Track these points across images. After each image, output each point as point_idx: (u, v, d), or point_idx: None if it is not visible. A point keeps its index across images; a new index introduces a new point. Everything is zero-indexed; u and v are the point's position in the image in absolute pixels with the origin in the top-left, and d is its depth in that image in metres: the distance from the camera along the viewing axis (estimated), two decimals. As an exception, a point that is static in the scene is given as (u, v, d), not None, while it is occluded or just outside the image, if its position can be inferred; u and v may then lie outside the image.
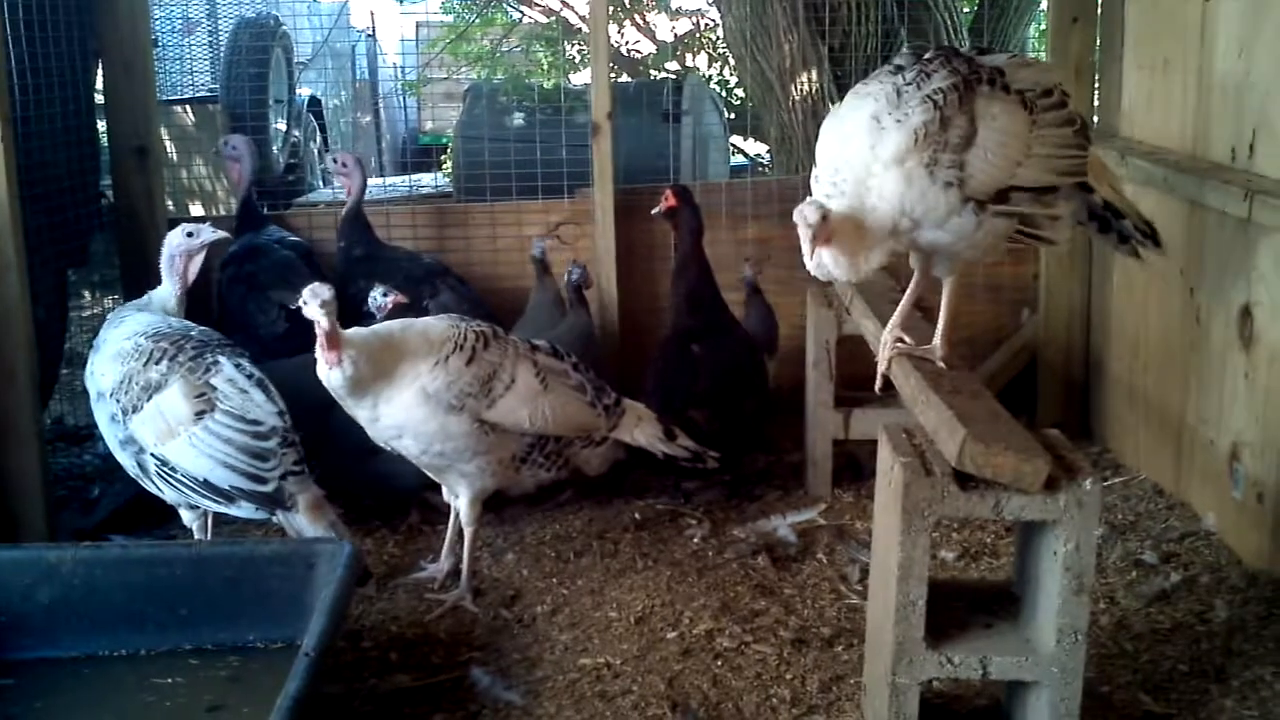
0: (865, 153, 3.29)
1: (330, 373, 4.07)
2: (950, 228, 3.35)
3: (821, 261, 3.31)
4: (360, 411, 4.22)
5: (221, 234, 4.79)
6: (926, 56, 3.44)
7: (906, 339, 3.75)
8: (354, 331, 4.16)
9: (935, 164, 3.26)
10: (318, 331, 4.02)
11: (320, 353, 4.06)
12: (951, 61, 3.39)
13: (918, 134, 3.25)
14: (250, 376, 4.34)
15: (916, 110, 3.28)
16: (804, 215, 3.24)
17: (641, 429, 4.64)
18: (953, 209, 3.31)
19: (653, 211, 5.43)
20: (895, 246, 3.36)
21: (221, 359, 4.36)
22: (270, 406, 4.29)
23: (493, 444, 4.32)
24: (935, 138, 3.26)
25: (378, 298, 4.99)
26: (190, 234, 4.71)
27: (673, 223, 5.39)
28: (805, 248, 3.27)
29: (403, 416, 4.19)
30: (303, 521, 4.21)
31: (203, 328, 4.59)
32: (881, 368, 3.80)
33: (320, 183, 10.43)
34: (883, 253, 3.33)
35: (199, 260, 4.73)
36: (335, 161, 6.23)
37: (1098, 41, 5.81)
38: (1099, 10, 5.79)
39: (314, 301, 3.97)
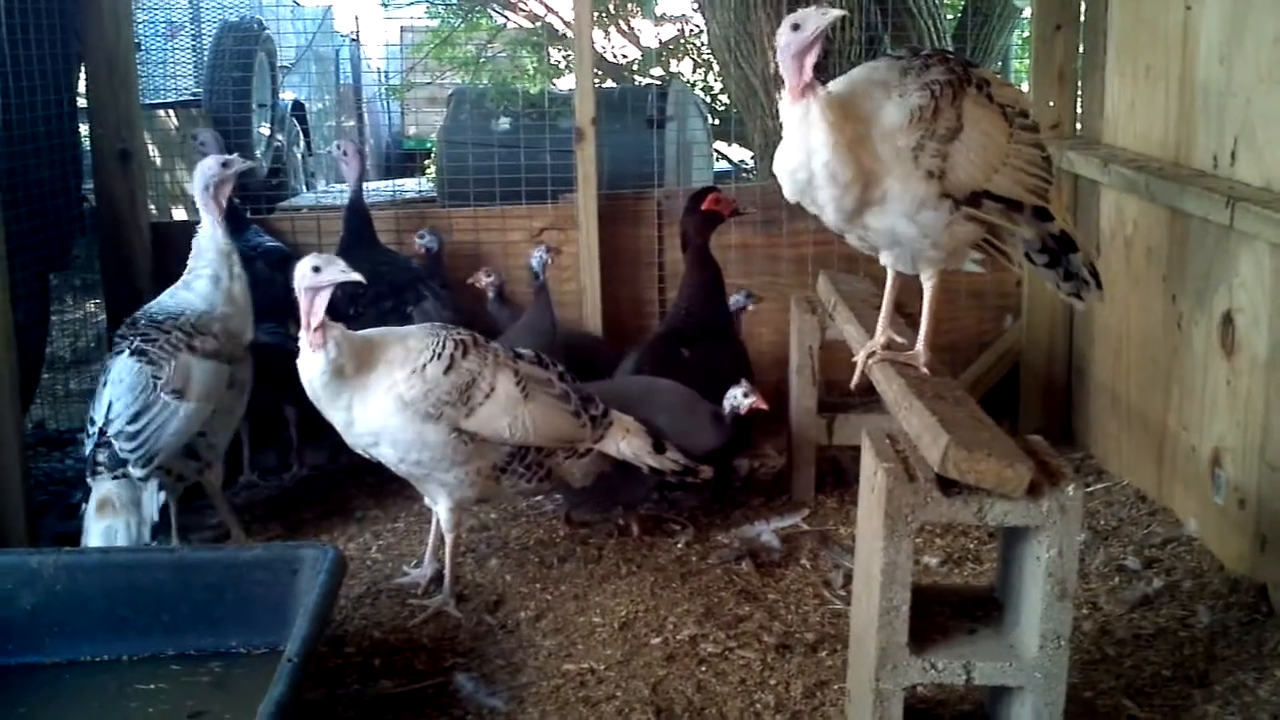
0: (868, 103, 3.33)
1: (313, 355, 4.05)
2: (920, 219, 3.38)
3: (809, 136, 3.24)
4: (336, 413, 4.20)
5: (253, 164, 4.95)
6: (925, 53, 3.50)
7: (899, 339, 3.77)
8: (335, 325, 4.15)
9: (921, 150, 3.31)
10: (302, 309, 4.04)
11: (304, 334, 4.06)
12: (948, 60, 3.47)
13: (913, 115, 3.31)
14: (122, 375, 4.54)
15: (915, 93, 3.34)
16: (802, 18, 3.24)
17: (629, 441, 4.55)
18: (927, 199, 3.35)
19: (728, 214, 5.43)
20: (865, 199, 3.32)
21: (123, 352, 4.61)
22: (97, 406, 4.56)
23: (471, 453, 4.28)
24: (926, 124, 3.31)
25: (738, 397, 4.91)
26: (225, 164, 4.87)
27: (707, 225, 5.43)
28: (791, 70, 3.25)
29: (378, 424, 4.17)
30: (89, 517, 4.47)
31: (188, 311, 4.73)
32: (860, 367, 3.81)
33: (304, 187, 10.41)
34: (869, 182, 3.30)
35: (229, 189, 4.90)
36: (338, 149, 6.37)
37: (1080, 49, 5.83)
38: (1081, 18, 5.81)
39: (325, 271, 4.05)
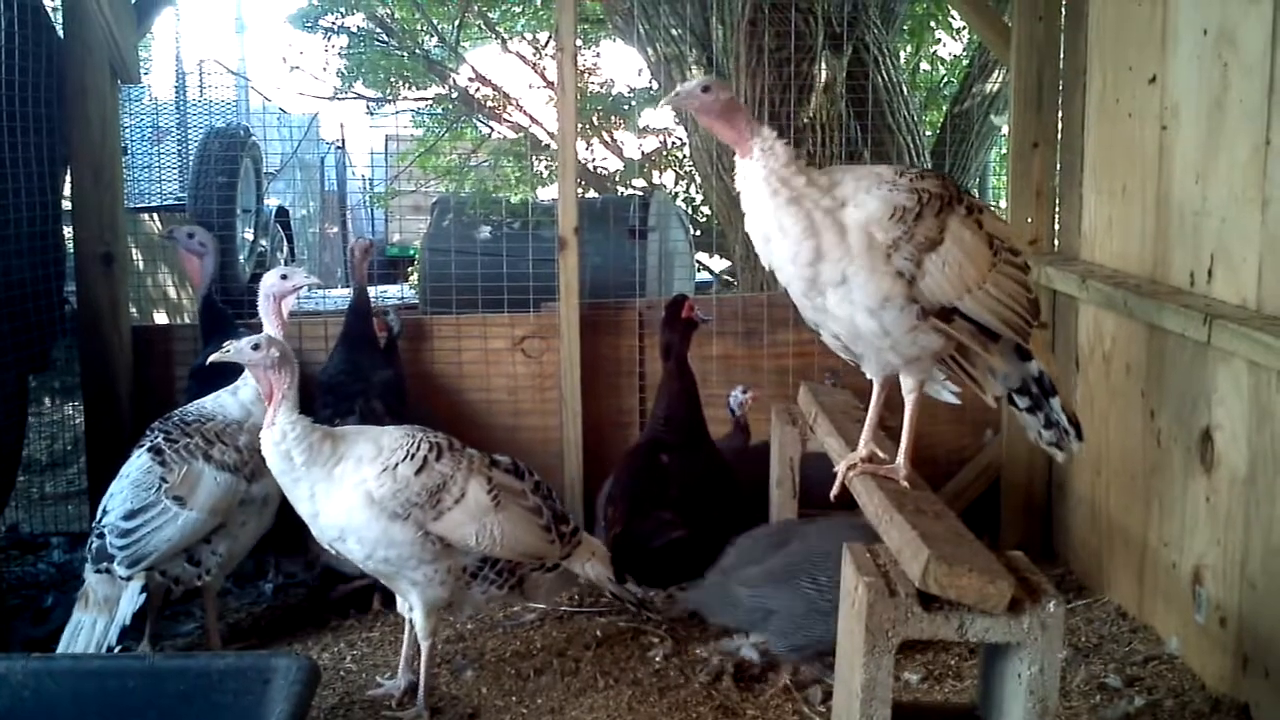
0: (856, 183, 3.40)
1: (265, 434, 4.11)
2: (883, 317, 3.40)
3: (762, 186, 3.34)
4: (300, 503, 4.19)
5: (314, 280, 5.03)
6: (922, 171, 3.57)
7: (880, 453, 3.77)
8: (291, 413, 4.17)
9: (895, 249, 3.34)
10: (260, 380, 4.15)
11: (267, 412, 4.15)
12: (945, 179, 3.54)
13: (895, 210, 3.35)
14: (132, 470, 4.60)
15: (903, 193, 3.38)
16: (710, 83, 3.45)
17: (593, 564, 4.60)
18: (892, 297, 3.36)
19: (699, 318, 5.45)
20: (819, 268, 3.36)
21: (144, 446, 4.65)
22: (109, 492, 4.61)
23: (439, 553, 4.24)
24: (907, 225, 3.34)
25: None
26: (284, 276, 4.93)
27: (680, 335, 5.43)
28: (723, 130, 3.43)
29: (344, 519, 4.14)
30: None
31: (219, 418, 4.79)
32: (840, 478, 3.80)
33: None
34: (821, 251, 3.35)
35: (291, 301, 4.96)
36: (351, 253, 6.33)
37: (1058, 166, 5.91)
38: (1059, 136, 5.90)
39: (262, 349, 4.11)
